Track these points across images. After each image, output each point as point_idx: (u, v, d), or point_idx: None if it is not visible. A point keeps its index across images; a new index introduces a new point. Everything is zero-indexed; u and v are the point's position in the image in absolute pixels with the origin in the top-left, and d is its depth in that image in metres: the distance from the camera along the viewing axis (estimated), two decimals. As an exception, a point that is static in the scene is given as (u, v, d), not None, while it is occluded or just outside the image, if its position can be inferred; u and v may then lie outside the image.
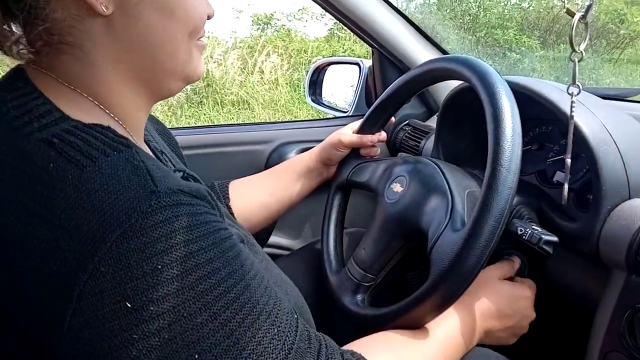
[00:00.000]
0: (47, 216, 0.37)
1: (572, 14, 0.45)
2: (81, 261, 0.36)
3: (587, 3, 0.43)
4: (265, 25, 6.34)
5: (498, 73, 0.60)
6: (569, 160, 0.53)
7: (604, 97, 0.80)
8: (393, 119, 0.88)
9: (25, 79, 0.45)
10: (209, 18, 0.52)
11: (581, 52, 0.48)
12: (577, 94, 0.51)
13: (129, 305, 0.36)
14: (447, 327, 0.58)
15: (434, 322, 0.57)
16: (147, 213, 0.37)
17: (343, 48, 5.77)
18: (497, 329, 0.62)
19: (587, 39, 0.46)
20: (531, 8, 6.19)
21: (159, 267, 0.36)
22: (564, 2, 0.45)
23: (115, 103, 0.48)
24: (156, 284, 0.36)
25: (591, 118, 0.63)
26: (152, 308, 0.36)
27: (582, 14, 0.46)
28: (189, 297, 0.37)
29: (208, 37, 5.67)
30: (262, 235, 1.10)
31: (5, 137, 0.41)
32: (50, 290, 0.36)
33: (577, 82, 0.49)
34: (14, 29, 0.46)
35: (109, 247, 0.36)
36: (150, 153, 0.58)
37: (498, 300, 0.62)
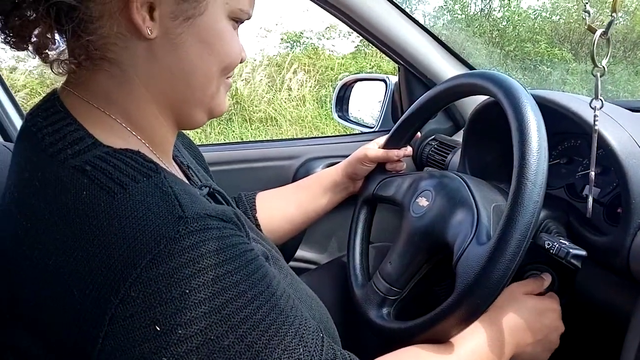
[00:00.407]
0: (81, 244, 0.39)
1: (593, 31, 0.46)
2: (113, 286, 0.37)
3: (609, 20, 0.44)
4: (294, 44, 6.45)
5: (524, 87, 0.60)
6: (593, 173, 0.53)
7: (635, 110, 0.79)
8: (419, 133, 0.88)
9: (59, 103, 0.46)
10: (241, 61, 0.54)
11: (603, 67, 0.48)
12: (600, 108, 0.51)
13: (158, 328, 0.37)
14: (475, 342, 0.58)
15: (461, 337, 0.57)
16: (175, 239, 0.38)
17: (370, 65, 5.81)
18: (527, 343, 0.61)
19: (608, 55, 0.47)
20: (562, 21, 6.10)
21: (187, 291, 0.38)
22: (585, 19, 0.46)
23: (145, 125, 0.49)
24: (184, 308, 0.37)
25: (620, 131, 0.62)
26: (180, 331, 0.37)
27: (604, 30, 0.46)
28: (216, 320, 0.38)
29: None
30: (289, 249, 1.12)
31: (41, 164, 0.43)
32: (85, 312, 0.38)
33: (600, 96, 0.49)
34: (57, 38, 0.47)
35: (139, 272, 0.37)
36: (178, 170, 0.60)
37: (525, 314, 0.61)
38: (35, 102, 0.49)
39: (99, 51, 0.45)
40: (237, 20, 0.51)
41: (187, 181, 0.59)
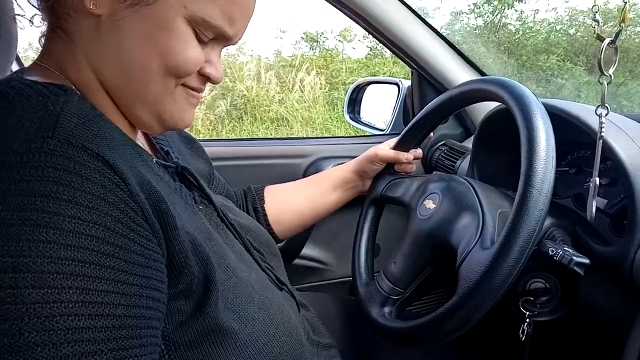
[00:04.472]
0: None
1: (602, 39, 0.47)
2: None
3: (617, 29, 0.44)
4: (312, 44, 6.47)
5: (535, 96, 0.61)
6: (597, 180, 0.53)
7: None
8: (432, 134, 0.89)
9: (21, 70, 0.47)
10: (207, 77, 0.50)
11: (610, 75, 0.49)
12: (606, 115, 0.52)
13: None
14: None
15: None
16: (22, 154, 0.35)
17: (383, 70, 5.82)
18: None
19: (616, 63, 0.48)
20: (578, 34, 6.07)
21: None
22: (594, 27, 0.47)
23: (99, 92, 0.47)
24: None
25: (629, 143, 0.62)
26: None
27: (612, 39, 0.47)
28: None
29: (251, 56, 5.85)
30: (295, 247, 1.13)
31: None
32: None
33: (606, 104, 0.50)
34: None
35: None
36: (146, 144, 0.59)
37: None
38: None
39: (56, 20, 0.46)
40: (204, 31, 0.47)
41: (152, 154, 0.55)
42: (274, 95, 5.33)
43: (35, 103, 0.40)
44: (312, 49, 6.39)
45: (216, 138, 4.47)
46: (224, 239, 0.56)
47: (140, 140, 0.57)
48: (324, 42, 6.43)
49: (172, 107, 0.50)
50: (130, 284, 0.36)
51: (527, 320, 0.68)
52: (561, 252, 0.58)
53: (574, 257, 0.56)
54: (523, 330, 0.68)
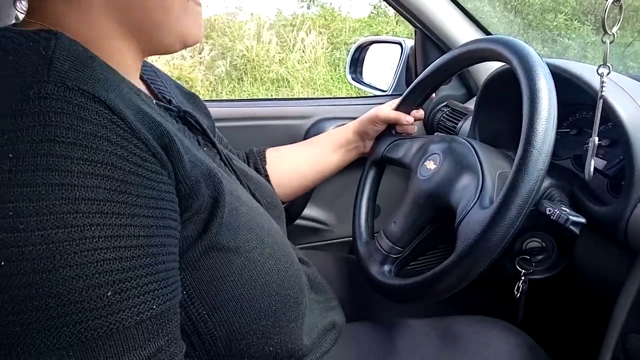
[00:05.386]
0: None
1: (606, -4, 0.46)
2: None
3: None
4: (311, 3, 6.30)
5: (539, 55, 0.60)
6: (596, 139, 0.54)
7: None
8: (434, 94, 0.88)
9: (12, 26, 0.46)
10: None
11: (613, 34, 0.48)
12: (607, 74, 0.51)
13: None
14: None
15: None
16: (21, 101, 0.35)
17: (386, 29, 5.69)
18: None
19: (619, 22, 0.47)
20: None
21: None
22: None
23: (100, 48, 0.47)
24: None
25: (630, 104, 0.62)
26: None
27: (617, -4, 0.46)
28: None
29: (251, 14, 5.71)
30: (296, 207, 1.15)
31: None
32: None
33: (608, 64, 0.50)
34: None
35: None
36: (145, 88, 0.59)
37: None
38: None
39: None
40: None
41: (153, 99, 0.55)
42: (274, 55, 5.24)
43: (27, 48, 0.40)
44: (311, 7, 6.21)
45: (216, 99, 4.43)
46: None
47: (140, 86, 0.57)
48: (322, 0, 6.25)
49: (190, 22, 0.52)
50: (146, 216, 0.38)
51: (522, 278, 0.70)
52: (558, 212, 0.59)
53: (571, 217, 0.57)
54: (518, 287, 0.70)
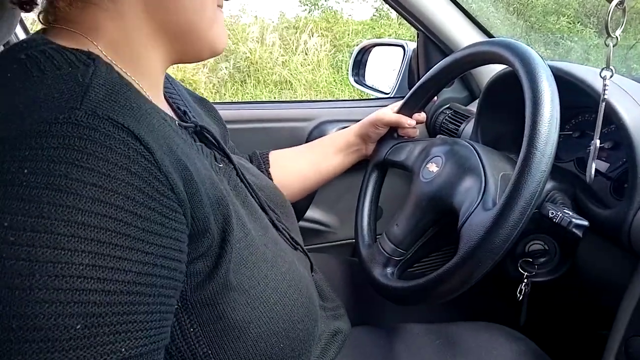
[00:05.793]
0: None
1: (610, 0, 0.46)
2: None
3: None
4: (313, 6, 6.31)
5: (542, 58, 0.60)
6: (597, 141, 0.54)
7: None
8: (436, 98, 0.88)
9: (41, 33, 0.47)
10: None
11: (616, 36, 0.48)
12: (610, 77, 0.51)
13: None
14: None
15: None
16: (51, 124, 0.35)
17: (388, 32, 5.69)
18: None
19: (623, 25, 0.47)
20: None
21: (16, 181, 0.34)
22: (603, -13, 0.46)
23: (130, 56, 0.48)
24: None
25: (634, 107, 0.62)
26: None
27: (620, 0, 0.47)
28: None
29: (255, 17, 5.72)
30: (299, 209, 1.14)
31: None
32: None
33: (611, 66, 0.50)
34: None
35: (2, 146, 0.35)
36: (168, 107, 0.60)
37: None
38: None
39: None
40: None
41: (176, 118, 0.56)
42: (277, 58, 5.25)
43: (65, 73, 0.40)
44: (313, 10, 6.23)
45: (220, 101, 4.44)
46: (242, 197, 0.57)
47: (163, 104, 0.57)
48: (324, 3, 6.26)
49: (219, 29, 0.53)
50: (145, 252, 0.37)
51: (525, 280, 0.70)
52: (561, 215, 0.59)
53: (573, 219, 0.57)
54: (521, 290, 0.70)
